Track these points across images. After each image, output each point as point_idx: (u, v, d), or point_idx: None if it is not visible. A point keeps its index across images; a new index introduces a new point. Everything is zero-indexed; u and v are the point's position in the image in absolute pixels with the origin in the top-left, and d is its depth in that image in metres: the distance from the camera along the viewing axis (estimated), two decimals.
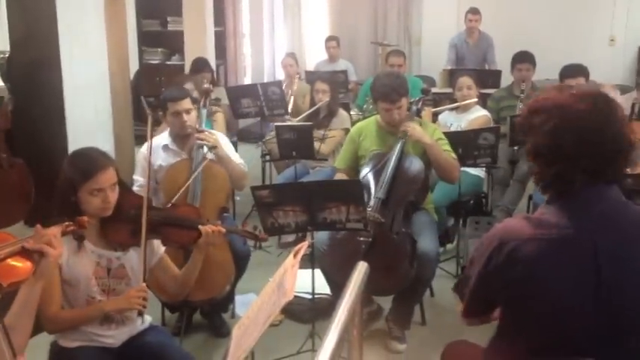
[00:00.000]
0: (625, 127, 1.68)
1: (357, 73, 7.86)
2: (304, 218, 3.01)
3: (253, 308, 1.90)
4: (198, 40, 7.13)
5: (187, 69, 6.35)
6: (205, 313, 3.63)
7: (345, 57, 8.01)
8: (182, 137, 3.59)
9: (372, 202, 3.35)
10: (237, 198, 5.21)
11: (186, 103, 3.51)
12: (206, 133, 3.56)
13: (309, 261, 3.26)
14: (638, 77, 5.35)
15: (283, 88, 5.65)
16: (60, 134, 4.44)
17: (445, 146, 3.58)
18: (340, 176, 3.73)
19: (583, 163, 1.64)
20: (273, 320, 1.76)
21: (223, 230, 2.64)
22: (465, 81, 4.82)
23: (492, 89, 5.84)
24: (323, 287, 3.42)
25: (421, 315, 3.65)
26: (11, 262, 1.88)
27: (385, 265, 3.11)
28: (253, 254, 3.70)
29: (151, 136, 3.04)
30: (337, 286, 3.19)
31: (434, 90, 6.15)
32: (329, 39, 7.69)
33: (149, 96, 6.38)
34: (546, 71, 5.93)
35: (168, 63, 8.14)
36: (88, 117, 4.72)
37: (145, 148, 3.53)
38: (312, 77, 5.91)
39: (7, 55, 5.18)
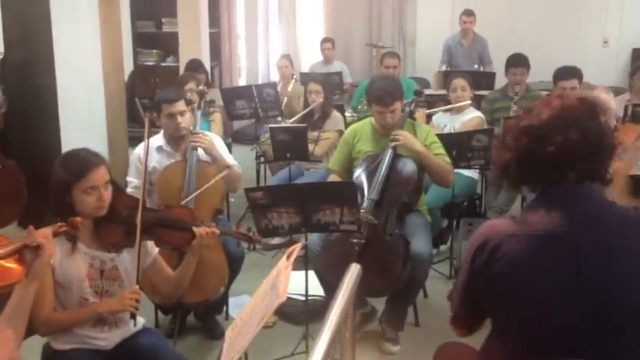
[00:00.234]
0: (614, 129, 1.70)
1: (351, 74, 7.87)
2: (298, 220, 3.01)
3: (247, 310, 1.91)
4: (193, 42, 7.12)
5: (182, 70, 6.34)
6: (199, 315, 3.63)
7: (340, 59, 8.02)
8: (176, 139, 3.59)
9: (365, 204, 3.36)
10: (232, 200, 5.21)
11: (181, 105, 3.51)
12: (200, 134, 3.56)
13: (303, 262, 3.26)
14: (631, 79, 5.34)
15: (278, 89, 5.65)
16: (53, 135, 4.42)
17: (439, 150, 3.59)
18: (333, 177, 3.74)
19: (578, 163, 1.65)
20: (266, 322, 1.76)
21: (217, 232, 2.63)
22: (459, 83, 4.83)
23: (486, 91, 5.85)
24: (316, 289, 3.42)
25: (415, 316, 3.66)
26: (4, 264, 1.88)
27: (378, 266, 3.11)
28: (247, 256, 3.70)
29: (148, 137, 3.05)
30: (331, 287, 3.19)
31: (428, 92, 6.18)
32: (324, 40, 7.70)
33: (143, 97, 6.39)
34: (540, 73, 5.95)
35: (163, 64, 8.13)
36: (82, 118, 4.71)
37: (139, 149, 3.53)
38: (306, 79, 5.91)
39: (0, 56, 5.16)
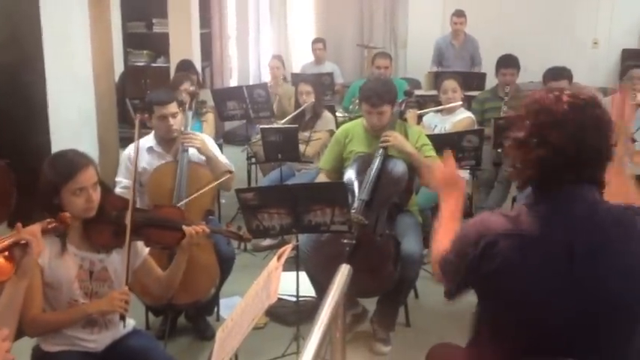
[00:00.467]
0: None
1: (343, 75, 7.87)
2: (289, 221, 3.01)
3: (237, 311, 1.90)
4: (184, 43, 7.11)
5: (173, 71, 6.33)
6: (190, 317, 3.62)
7: (332, 59, 8.01)
8: (167, 140, 3.57)
9: (355, 204, 3.36)
10: (223, 201, 5.20)
11: (173, 107, 3.49)
12: (191, 135, 3.55)
13: (294, 263, 3.26)
14: (621, 80, 5.38)
15: (269, 90, 5.65)
16: (43, 136, 4.41)
17: (430, 152, 3.59)
18: (322, 177, 3.74)
19: (581, 166, 1.65)
20: (257, 323, 1.76)
21: (207, 230, 2.63)
22: (450, 84, 4.84)
23: (477, 91, 5.87)
24: (308, 290, 3.42)
25: (405, 317, 3.66)
26: None
27: (369, 266, 3.12)
28: (238, 257, 3.70)
29: (138, 138, 3.03)
30: (322, 288, 3.18)
31: (419, 92, 6.18)
32: (315, 41, 7.70)
33: (134, 98, 6.37)
34: (530, 74, 5.98)
35: (154, 65, 8.09)
36: (72, 119, 4.69)
37: (129, 149, 3.51)
38: (297, 79, 5.91)
39: None
